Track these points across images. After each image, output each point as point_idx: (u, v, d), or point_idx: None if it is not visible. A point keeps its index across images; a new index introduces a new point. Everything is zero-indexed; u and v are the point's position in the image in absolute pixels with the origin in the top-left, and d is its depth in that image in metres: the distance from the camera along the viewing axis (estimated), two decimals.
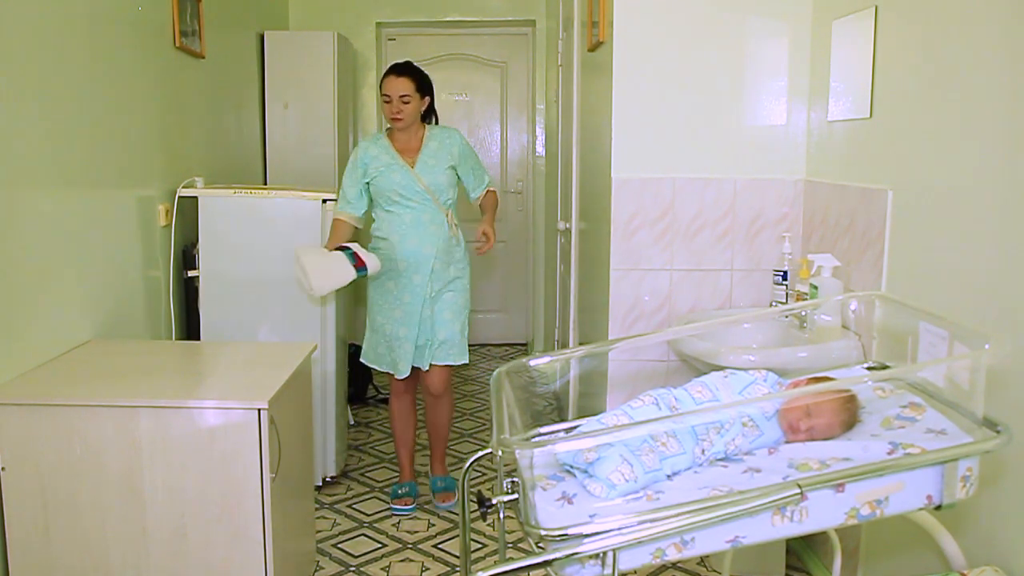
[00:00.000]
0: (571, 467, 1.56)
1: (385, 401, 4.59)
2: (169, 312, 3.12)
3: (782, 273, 2.88)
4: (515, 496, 1.56)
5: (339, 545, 2.98)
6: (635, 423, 1.58)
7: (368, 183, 3.10)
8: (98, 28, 2.61)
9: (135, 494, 2.01)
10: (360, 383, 4.55)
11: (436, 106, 3.25)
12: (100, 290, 2.61)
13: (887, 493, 1.44)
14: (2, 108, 2.09)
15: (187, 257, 3.20)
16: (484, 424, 4.27)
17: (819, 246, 2.82)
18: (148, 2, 2.98)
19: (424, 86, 3.12)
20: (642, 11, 2.94)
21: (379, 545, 2.99)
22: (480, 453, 1.80)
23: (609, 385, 3.07)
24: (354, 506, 3.30)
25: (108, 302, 2.66)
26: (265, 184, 4.48)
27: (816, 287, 2.55)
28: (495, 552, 2.90)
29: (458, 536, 3.04)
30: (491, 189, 3.30)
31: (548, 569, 1.39)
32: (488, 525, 3.11)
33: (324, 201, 3.19)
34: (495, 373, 1.71)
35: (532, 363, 2.06)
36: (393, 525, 3.15)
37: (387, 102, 3.06)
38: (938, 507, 1.48)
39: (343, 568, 2.82)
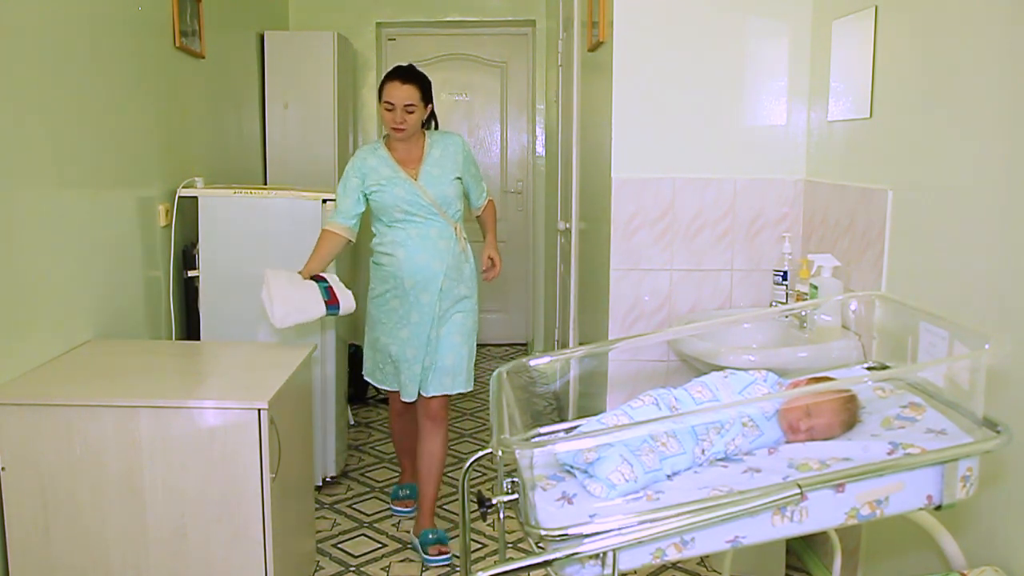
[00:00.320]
0: (571, 467, 1.56)
1: (385, 401, 4.59)
2: (169, 312, 3.12)
3: (782, 273, 2.88)
4: (515, 496, 1.56)
5: (339, 545, 2.98)
6: (635, 423, 1.58)
7: (367, 196, 2.89)
8: (98, 28, 2.61)
9: (135, 494, 2.01)
10: (360, 383, 4.54)
11: (436, 105, 3.04)
12: (100, 290, 2.61)
13: (887, 493, 1.44)
14: (2, 108, 2.09)
15: (187, 257, 3.20)
16: (484, 424, 4.27)
17: (819, 246, 2.82)
18: (148, 2, 2.98)
19: (428, 93, 2.89)
20: (642, 11, 2.94)
21: (379, 545, 2.99)
22: (480, 453, 1.80)
23: (609, 385, 3.07)
24: (354, 506, 3.30)
25: (108, 302, 2.66)
26: (265, 184, 4.48)
27: (816, 287, 2.55)
28: (495, 552, 2.90)
29: (458, 536, 3.04)
30: (490, 199, 3.12)
31: (548, 569, 1.39)
32: (488, 525, 3.11)
33: (324, 201, 3.19)
34: (495, 373, 1.71)
35: (532, 363, 2.06)
36: (393, 525, 3.15)
37: (389, 110, 2.80)
38: (938, 507, 1.48)
39: (343, 568, 2.82)
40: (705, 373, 1.76)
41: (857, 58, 2.52)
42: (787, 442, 1.62)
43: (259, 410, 2.00)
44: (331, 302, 2.68)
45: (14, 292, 2.14)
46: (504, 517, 1.69)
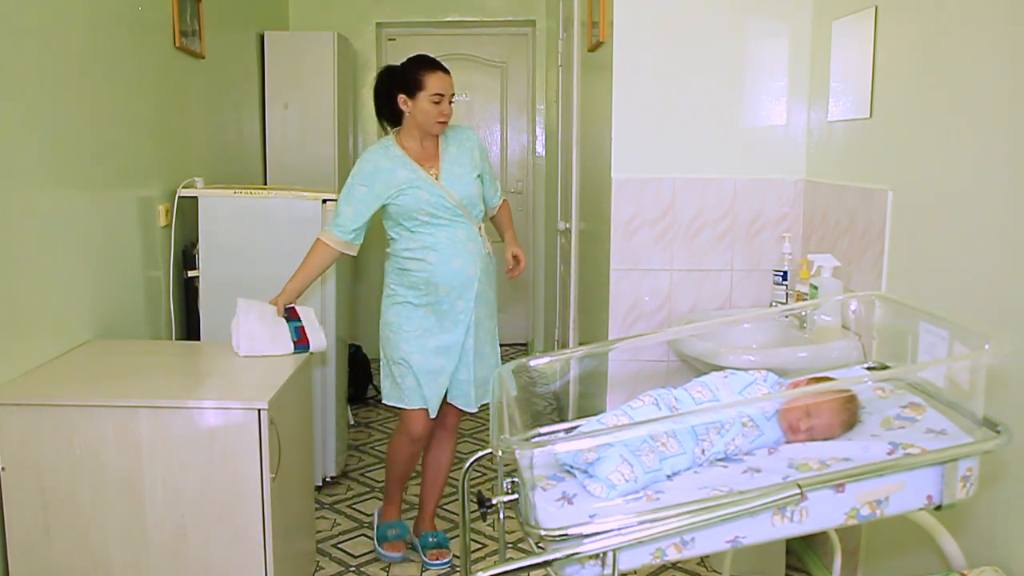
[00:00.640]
0: (571, 467, 1.56)
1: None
2: (169, 312, 3.12)
3: (782, 273, 2.88)
4: (515, 496, 1.56)
5: (339, 545, 2.98)
6: (635, 423, 1.58)
7: (385, 205, 2.65)
8: (98, 28, 2.61)
9: (135, 494, 2.01)
10: (360, 383, 4.55)
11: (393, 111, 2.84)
12: (100, 290, 2.61)
13: (887, 493, 1.44)
14: (2, 108, 2.09)
15: (187, 257, 3.20)
16: (484, 424, 4.27)
17: (819, 246, 2.82)
18: (148, 2, 2.98)
19: None
20: (642, 11, 2.94)
21: None
22: (480, 453, 1.80)
23: (609, 385, 3.07)
24: (354, 506, 3.30)
25: (108, 302, 2.65)
26: (265, 184, 4.48)
27: (816, 287, 2.55)
28: (495, 552, 2.90)
29: (458, 536, 3.04)
30: (504, 198, 2.96)
31: (548, 569, 1.39)
32: (488, 525, 3.11)
33: (324, 201, 3.18)
34: (495, 373, 1.71)
35: (532, 363, 2.06)
36: None
37: (436, 102, 2.61)
38: (938, 507, 1.48)
39: (343, 568, 2.82)
40: (705, 373, 1.76)
41: (857, 58, 2.52)
42: (787, 442, 1.62)
43: (259, 410, 2.00)
44: (300, 342, 2.50)
45: (14, 292, 2.14)
46: (504, 517, 1.69)
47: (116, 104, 2.73)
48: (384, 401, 2.81)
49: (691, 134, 2.99)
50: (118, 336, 2.70)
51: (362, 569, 2.82)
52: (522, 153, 5.70)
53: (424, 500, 2.95)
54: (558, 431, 1.81)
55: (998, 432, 1.47)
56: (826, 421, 1.61)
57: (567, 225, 4.02)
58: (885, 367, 1.86)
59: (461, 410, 2.81)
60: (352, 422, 4.19)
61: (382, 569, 2.82)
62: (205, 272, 3.14)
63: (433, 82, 2.60)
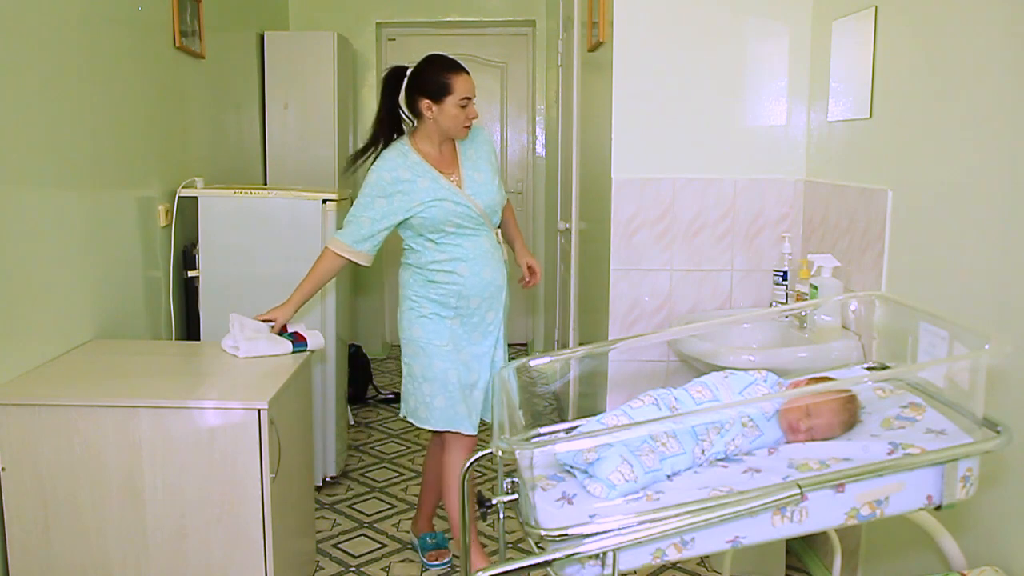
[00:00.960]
0: (571, 467, 1.56)
1: (386, 402, 4.60)
2: (169, 312, 3.12)
3: (782, 273, 2.88)
4: (515, 496, 1.56)
5: (339, 545, 2.98)
6: (635, 423, 1.58)
7: (407, 218, 2.52)
8: (98, 28, 2.61)
9: (135, 494, 2.01)
10: (360, 383, 4.55)
11: (398, 116, 2.70)
12: (100, 290, 2.61)
13: (887, 493, 1.44)
14: (2, 108, 2.09)
15: (187, 257, 3.20)
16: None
17: (819, 246, 2.82)
18: (148, 2, 2.98)
19: None
20: (642, 11, 2.94)
21: (379, 545, 2.99)
22: (480, 453, 1.80)
23: (609, 385, 3.07)
24: (354, 506, 3.30)
25: (108, 302, 2.65)
26: (265, 184, 4.48)
27: (816, 287, 2.55)
28: (495, 552, 2.90)
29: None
30: (507, 198, 2.79)
31: (548, 569, 1.39)
32: (488, 525, 3.11)
33: (324, 201, 3.18)
34: (495, 373, 1.71)
35: (532, 363, 2.06)
36: (393, 525, 3.15)
37: (464, 106, 2.52)
38: (938, 507, 1.48)
39: (343, 568, 2.82)
40: (705, 373, 1.76)
41: (857, 58, 2.52)
42: (787, 442, 1.62)
43: (259, 410, 2.00)
44: (299, 340, 2.46)
45: (14, 292, 2.14)
46: (504, 517, 1.69)
47: (116, 104, 2.73)
48: (410, 420, 2.66)
49: (691, 134, 2.99)
50: (118, 336, 2.70)
51: (362, 569, 2.82)
52: (522, 153, 5.70)
53: (424, 501, 2.93)
54: (558, 431, 1.81)
55: (998, 432, 1.47)
56: (826, 421, 1.61)
57: (567, 225, 4.02)
58: (885, 367, 1.86)
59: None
60: (352, 422, 4.19)
61: (382, 569, 2.82)
62: (205, 272, 3.14)
63: (460, 85, 2.50)
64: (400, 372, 2.73)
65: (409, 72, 2.57)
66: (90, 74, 2.55)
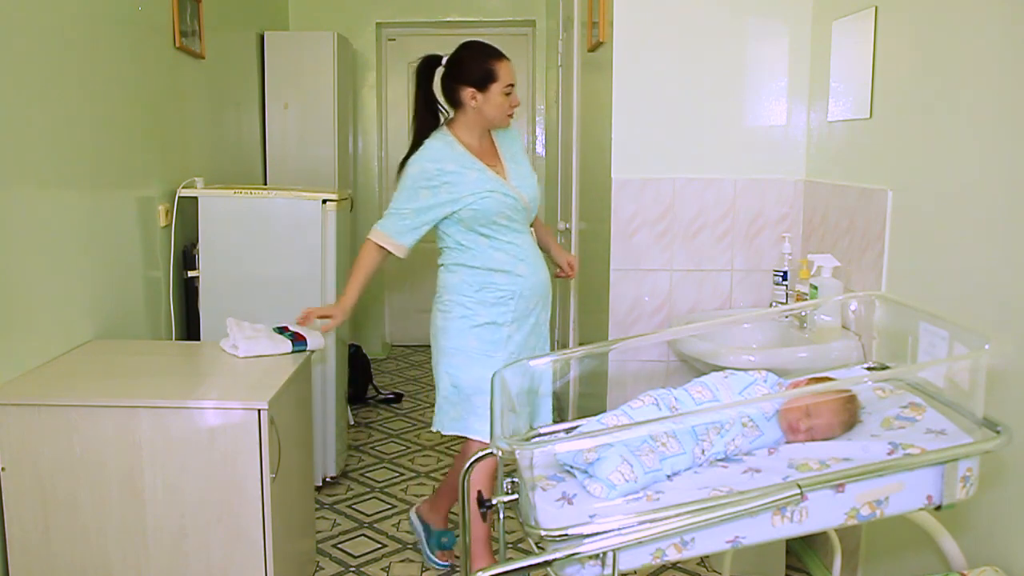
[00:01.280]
0: (571, 467, 1.56)
1: (386, 402, 4.60)
2: (169, 312, 3.12)
3: (782, 273, 2.88)
4: (515, 496, 1.56)
5: (339, 545, 2.98)
6: (635, 423, 1.58)
7: (456, 211, 2.40)
8: (98, 28, 2.61)
9: (135, 494, 2.01)
10: (360, 383, 4.55)
11: (436, 106, 2.64)
12: (100, 290, 2.61)
13: (887, 493, 1.44)
14: (2, 108, 2.09)
15: (187, 257, 3.20)
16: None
17: (819, 246, 2.82)
18: (148, 2, 2.98)
19: None
20: (642, 11, 2.94)
21: (379, 545, 2.99)
22: (480, 453, 1.80)
23: (609, 385, 3.07)
24: (354, 506, 3.30)
25: (108, 302, 2.65)
26: (265, 184, 4.48)
27: (816, 287, 2.55)
28: (495, 552, 2.90)
29: (458, 536, 3.04)
30: None
31: (548, 569, 1.39)
32: (488, 525, 3.11)
33: (324, 201, 3.18)
34: (495, 373, 1.71)
35: (532, 363, 2.06)
36: (393, 525, 3.15)
37: (508, 94, 2.44)
38: (938, 507, 1.48)
39: (343, 568, 2.82)
40: (705, 373, 1.77)
41: (857, 58, 2.52)
42: (787, 442, 1.62)
43: (259, 410, 2.00)
44: (298, 339, 2.45)
45: (14, 292, 2.14)
46: (504, 517, 1.69)
47: (116, 104, 2.72)
48: (452, 432, 2.52)
49: (691, 134, 2.99)
50: (118, 336, 2.70)
51: (362, 569, 2.82)
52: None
53: (446, 501, 2.81)
54: (558, 431, 1.81)
55: (998, 432, 1.47)
56: (826, 421, 1.61)
57: (567, 225, 4.02)
58: (885, 367, 1.86)
59: None
60: (352, 422, 4.19)
61: (382, 569, 2.82)
62: (205, 272, 3.14)
63: (504, 72, 2.42)
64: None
65: (446, 61, 2.49)
66: (90, 74, 2.55)
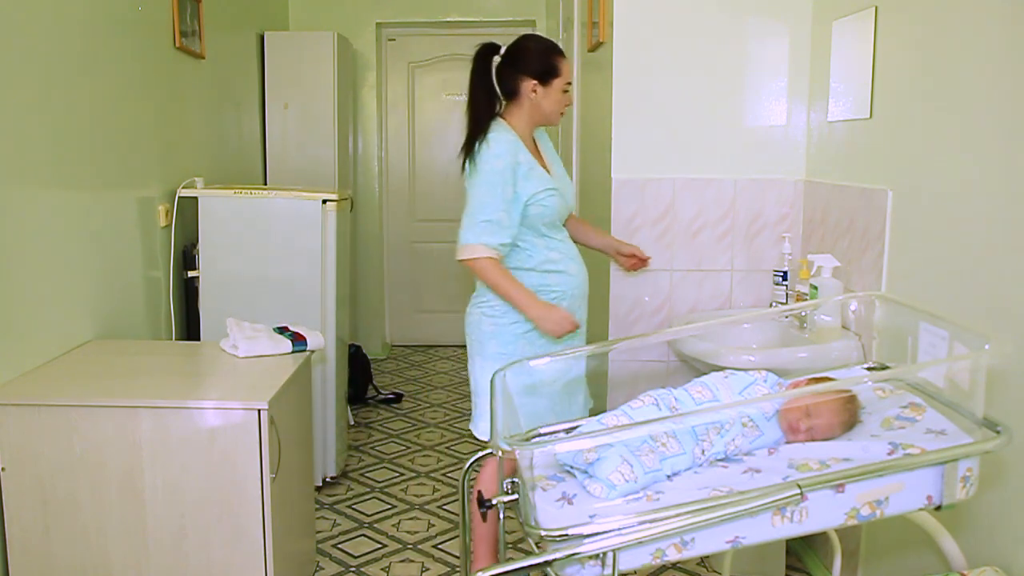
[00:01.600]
0: (571, 467, 1.56)
1: (386, 402, 4.60)
2: (169, 312, 3.12)
3: (782, 273, 2.88)
4: (515, 496, 1.56)
5: (339, 545, 2.98)
6: (635, 423, 1.58)
7: (527, 205, 2.31)
8: (98, 28, 2.61)
9: (135, 494, 2.01)
10: (360, 383, 4.55)
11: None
12: (100, 290, 2.61)
13: (887, 493, 1.44)
14: (2, 108, 2.09)
15: (187, 257, 3.20)
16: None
17: (819, 246, 2.82)
18: (148, 2, 2.98)
19: None
20: (642, 11, 2.95)
21: (379, 545, 2.99)
22: (480, 453, 1.81)
23: (609, 385, 3.07)
24: (354, 506, 3.30)
25: (108, 302, 2.66)
26: (265, 184, 4.48)
27: (816, 287, 2.55)
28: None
29: (458, 536, 3.04)
30: None
31: (548, 569, 1.39)
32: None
33: (324, 201, 3.18)
34: (495, 373, 1.71)
35: (532, 363, 2.06)
36: (393, 525, 3.15)
37: (566, 91, 2.39)
38: (938, 507, 1.48)
39: (343, 568, 2.82)
40: (705, 373, 1.77)
41: (857, 58, 2.52)
42: (787, 442, 1.62)
43: (259, 410, 2.00)
44: (298, 339, 2.45)
45: (14, 292, 2.14)
46: (504, 517, 1.69)
47: (116, 104, 2.72)
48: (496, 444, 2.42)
49: (691, 134, 2.99)
50: (118, 336, 2.70)
51: (362, 569, 2.82)
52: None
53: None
54: (558, 431, 1.81)
55: (998, 432, 1.47)
56: (826, 421, 1.61)
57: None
58: (885, 367, 1.86)
59: None
60: (352, 422, 4.19)
61: (382, 569, 2.82)
62: (205, 272, 3.14)
63: (566, 69, 2.38)
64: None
65: (506, 50, 2.43)
66: (90, 74, 2.55)
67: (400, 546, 2.99)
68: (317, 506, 3.25)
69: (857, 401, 1.67)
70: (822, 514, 1.43)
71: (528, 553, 1.42)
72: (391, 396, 4.62)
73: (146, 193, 2.96)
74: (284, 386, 2.15)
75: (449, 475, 3.59)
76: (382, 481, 3.55)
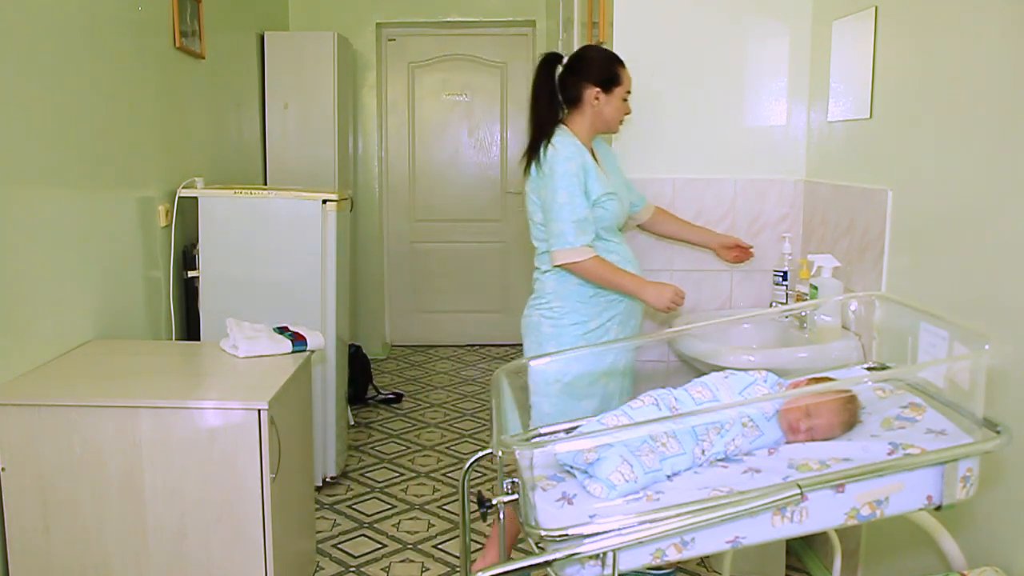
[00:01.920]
0: (571, 467, 1.56)
1: (386, 402, 4.60)
2: (169, 312, 3.12)
3: (782, 273, 2.88)
4: (515, 496, 1.56)
5: (339, 545, 2.98)
6: (635, 423, 1.58)
7: (592, 206, 2.37)
8: (98, 29, 2.61)
9: (135, 494, 2.01)
10: (360, 383, 4.55)
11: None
12: (100, 290, 2.61)
13: (887, 493, 1.44)
14: (2, 108, 2.09)
15: (187, 257, 3.20)
16: (484, 424, 4.27)
17: (819, 246, 2.82)
18: (148, 2, 2.98)
19: None
20: (642, 11, 2.94)
21: (379, 545, 2.99)
22: (480, 453, 1.80)
23: None
24: (354, 506, 3.30)
25: (108, 302, 2.66)
26: (265, 184, 4.48)
27: (816, 287, 2.55)
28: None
29: (458, 536, 3.04)
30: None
31: (548, 569, 1.39)
32: (488, 525, 3.11)
33: (324, 201, 3.18)
34: (495, 373, 1.71)
35: (532, 363, 2.06)
36: (393, 525, 3.15)
37: (626, 100, 2.48)
38: (938, 507, 1.48)
39: (343, 568, 2.82)
40: (705, 373, 1.76)
41: (857, 58, 2.52)
42: (787, 442, 1.62)
43: (259, 410, 2.00)
44: (298, 339, 2.46)
45: (14, 292, 2.15)
46: (504, 517, 1.69)
47: (116, 104, 2.73)
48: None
49: (691, 134, 2.99)
50: (118, 336, 2.70)
51: (362, 569, 2.82)
52: (522, 153, 5.69)
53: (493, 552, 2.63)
54: (558, 431, 1.81)
55: (998, 432, 1.47)
56: (826, 421, 1.61)
57: None
58: (885, 367, 1.86)
59: None
60: (352, 422, 4.19)
61: (382, 569, 2.82)
62: (205, 272, 3.14)
63: (627, 79, 2.46)
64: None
65: (569, 59, 2.48)
66: (90, 74, 2.55)
67: (400, 546, 2.99)
68: (317, 506, 3.25)
69: (857, 401, 1.67)
70: (822, 514, 1.43)
71: (528, 553, 1.42)
72: (391, 396, 4.62)
73: (146, 193, 2.96)
74: (284, 386, 2.15)
75: (449, 475, 3.59)
76: (382, 481, 3.55)
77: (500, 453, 1.52)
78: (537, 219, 2.46)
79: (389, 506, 3.30)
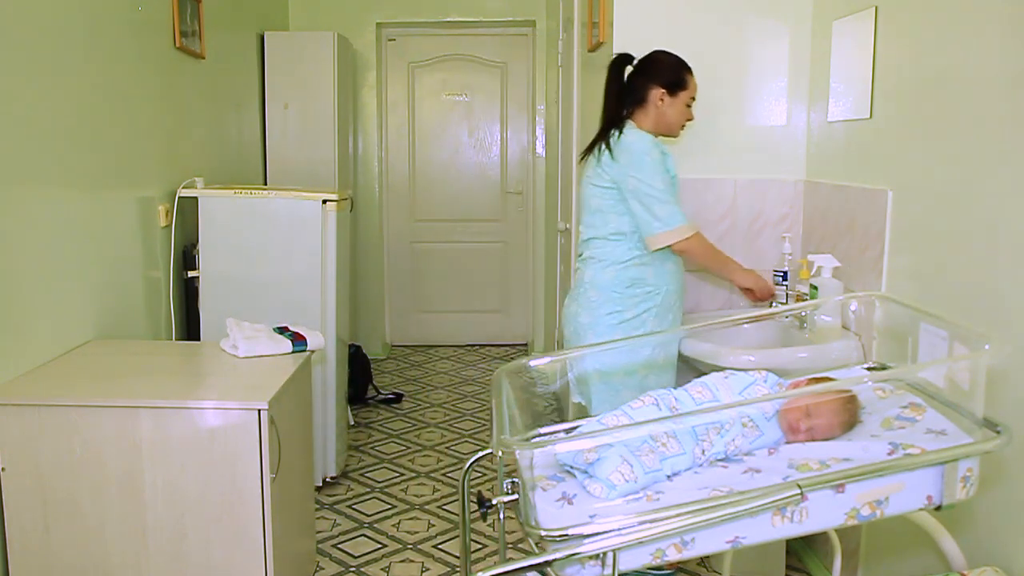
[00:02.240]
0: (571, 467, 1.56)
1: (386, 402, 4.60)
2: (169, 312, 3.12)
3: (782, 273, 2.87)
4: (515, 496, 1.56)
5: (339, 545, 2.98)
6: (635, 423, 1.58)
7: None
8: (98, 29, 2.61)
9: (135, 494, 2.01)
10: (360, 383, 4.55)
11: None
12: (100, 290, 2.61)
13: (887, 493, 1.44)
14: (2, 108, 2.09)
15: (187, 257, 3.20)
16: (484, 424, 4.27)
17: (819, 246, 2.82)
18: (148, 2, 2.98)
19: None
20: (642, 11, 2.95)
21: (379, 545, 2.99)
22: (480, 453, 1.80)
23: None
24: (354, 506, 3.30)
25: (108, 302, 2.66)
26: (265, 184, 4.48)
27: (816, 287, 2.55)
28: (495, 552, 2.90)
29: (458, 536, 3.04)
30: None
31: (548, 569, 1.39)
32: (488, 525, 3.11)
33: (324, 201, 3.18)
34: (495, 373, 1.71)
35: (532, 363, 2.06)
36: (393, 526, 3.15)
37: (689, 106, 2.56)
38: (938, 507, 1.48)
39: (343, 568, 2.82)
40: (705, 373, 1.76)
41: (857, 58, 2.52)
42: (787, 442, 1.62)
43: (259, 410, 2.00)
44: (298, 339, 2.46)
45: (14, 292, 2.14)
46: (504, 517, 1.69)
47: (116, 104, 2.73)
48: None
49: (691, 134, 2.98)
50: (118, 336, 2.70)
51: (362, 569, 2.82)
52: (522, 153, 5.70)
53: None
54: (558, 431, 1.81)
55: (998, 432, 1.47)
56: (826, 421, 1.61)
57: (567, 225, 4.02)
58: (885, 367, 1.86)
59: None
60: (352, 422, 4.19)
61: (382, 569, 2.82)
62: (205, 272, 3.14)
63: (693, 85, 2.55)
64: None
65: (639, 60, 2.55)
66: (90, 74, 2.55)
67: (400, 546, 2.99)
68: (317, 506, 3.25)
69: (857, 401, 1.67)
70: (822, 514, 1.43)
71: (528, 553, 1.42)
72: (391, 396, 4.62)
73: (146, 193, 2.96)
74: (284, 386, 2.15)
75: (449, 475, 3.59)
76: (382, 481, 3.55)
77: (500, 453, 1.52)
78: (594, 205, 2.51)
79: (389, 506, 3.30)
